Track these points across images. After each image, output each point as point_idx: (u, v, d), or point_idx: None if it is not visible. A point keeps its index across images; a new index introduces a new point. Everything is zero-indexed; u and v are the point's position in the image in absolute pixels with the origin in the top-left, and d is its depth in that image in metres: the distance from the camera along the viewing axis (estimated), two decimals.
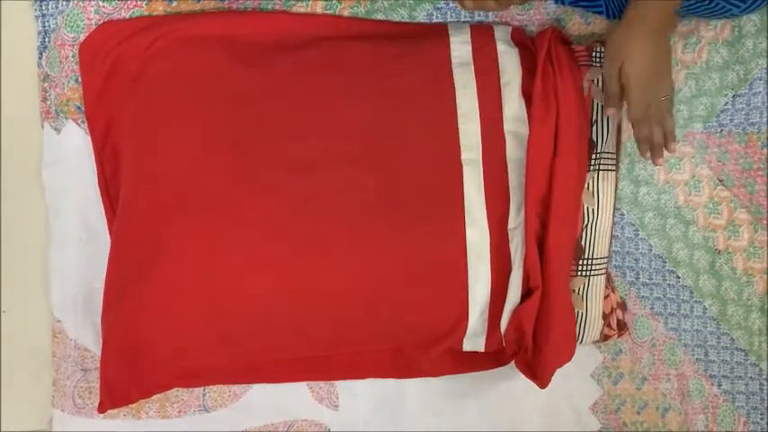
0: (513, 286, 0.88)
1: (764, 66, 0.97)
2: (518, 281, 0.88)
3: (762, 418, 1.01)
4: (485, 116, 0.88)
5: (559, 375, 0.97)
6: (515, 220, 0.88)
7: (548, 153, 0.86)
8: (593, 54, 0.91)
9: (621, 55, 0.83)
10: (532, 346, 0.89)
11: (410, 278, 0.87)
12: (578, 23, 0.97)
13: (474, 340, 0.90)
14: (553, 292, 0.87)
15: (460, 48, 0.91)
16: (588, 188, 0.90)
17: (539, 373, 0.90)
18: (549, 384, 0.98)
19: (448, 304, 0.88)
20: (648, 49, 0.83)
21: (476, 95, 0.89)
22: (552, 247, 0.86)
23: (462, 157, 0.88)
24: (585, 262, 0.91)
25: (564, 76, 0.88)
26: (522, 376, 0.96)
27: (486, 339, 0.90)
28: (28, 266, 0.96)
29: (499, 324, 0.89)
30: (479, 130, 0.88)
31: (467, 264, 0.87)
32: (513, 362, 0.96)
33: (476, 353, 0.93)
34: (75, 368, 0.94)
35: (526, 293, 0.88)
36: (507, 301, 0.88)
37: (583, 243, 0.90)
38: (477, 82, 0.89)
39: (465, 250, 0.87)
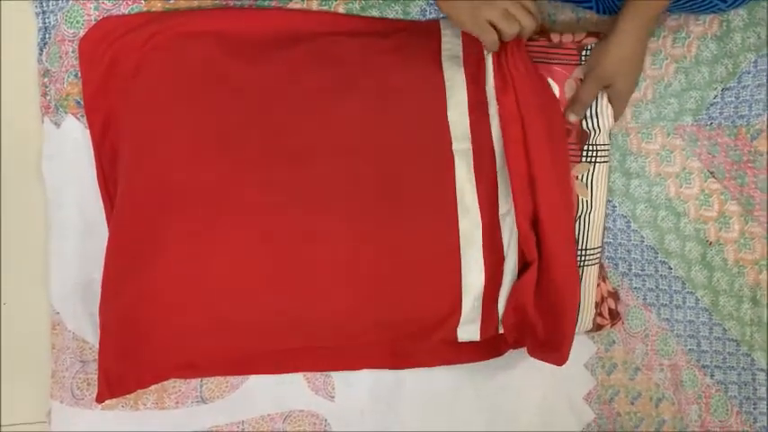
0: (508, 271, 0.89)
1: (752, 59, 0.99)
2: (513, 266, 0.89)
3: (755, 408, 1.02)
4: (473, 107, 0.90)
5: (554, 366, 0.98)
6: (505, 206, 0.89)
7: (518, 126, 0.88)
8: (583, 53, 0.92)
9: (615, 75, 0.88)
10: (544, 324, 0.90)
11: (405, 267, 0.88)
12: (569, 17, 0.98)
13: (468, 327, 0.91)
14: (556, 260, 0.87)
15: (451, 41, 0.93)
16: (582, 179, 0.92)
17: (561, 346, 0.89)
18: (543, 375, 0.99)
19: (441, 292, 0.89)
20: (640, 66, 0.89)
21: (464, 87, 0.91)
22: (545, 215, 0.87)
23: (453, 147, 0.90)
24: (580, 252, 0.92)
25: (512, 55, 0.89)
26: (518, 367, 0.98)
27: (481, 326, 0.91)
28: (27, 259, 0.97)
29: (494, 311, 0.90)
30: (468, 121, 0.90)
31: (460, 252, 0.88)
32: (508, 353, 0.97)
33: (472, 343, 0.94)
34: (74, 360, 0.95)
35: (523, 269, 0.90)
36: (502, 286, 0.89)
37: (577, 234, 0.92)
38: (465, 74, 0.91)
39: (458, 239, 0.88)
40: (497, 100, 0.89)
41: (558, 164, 0.89)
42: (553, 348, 0.91)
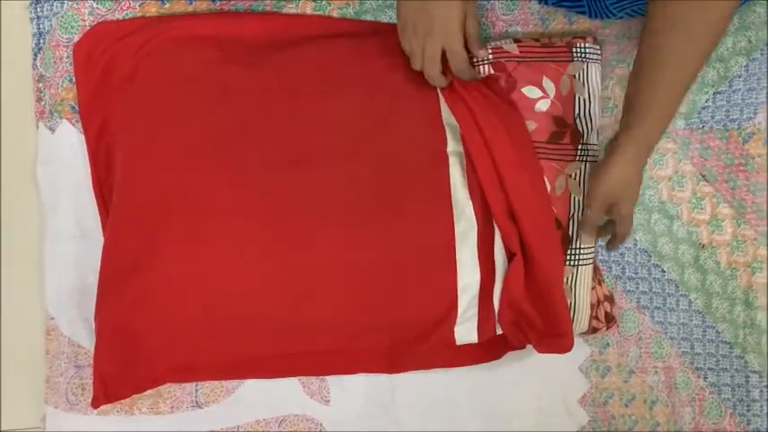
0: (499, 267, 0.91)
1: (744, 63, 1.00)
2: (502, 262, 0.90)
3: (748, 410, 1.03)
4: None
5: (548, 369, 0.99)
6: None
7: (476, 130, 0.89)
8: (574, 50, 0.93)
9: (619, 196, 0.87)
10: (540, 315, 0.90)
11: (401, 270, 0.89)
12: (562, 23, 0.99)
13: (465, 327, 0.92)
14: (536, 247, 0.88)
15: None
16: (575, 178, 0.92)
17: (563, 330, 0.90)
18: (538, 378, 1.00)
19: (437, 292, 0.90)
20: (640, 180, 0.88)
21: None
22: (518, 205, 0.88)
23: (448, 149, 0.91)
24: (573, 252, 0.92)
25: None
26: (513, 370, 0.98)
27: (478, 326, 0.92)
28: (22, 264, 0.96)
29: (490, 309, 0.91)
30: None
31: (455, 252, 0.89)
32: (504, 356, 0.98)
33: (468, 346, 0.94)
34: (69, 365, 0.95)
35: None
36: (496, 283, 0.90)
37: (570, 233, 0.92)
38: None
39: (454, 239, 0.89)
40: (449, 107, 0.90)
41: (525, 157, 0.90)
42: (556, 336, 0.91)
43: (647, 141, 0.84)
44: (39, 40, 0.94)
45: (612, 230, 0.91)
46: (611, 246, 0.93)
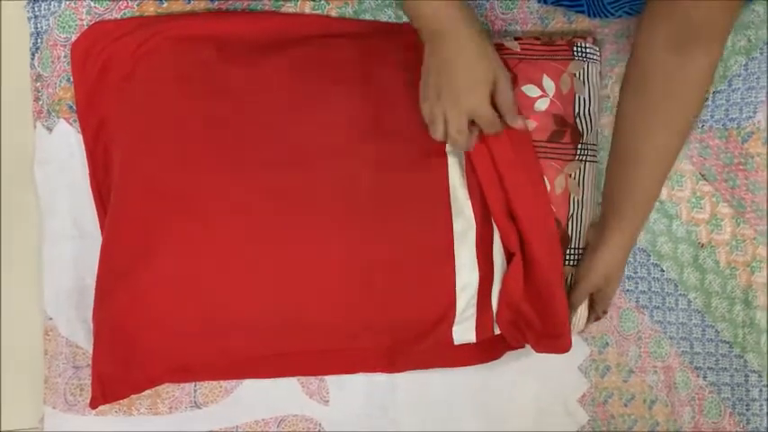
0: (498, 267, 0.91)
1: (743, 62, 1.00)
2: (501, 261, 0.91)
3: (747, 409, 1.03)
4: None
5: (548, 369, 0.99)
6: None
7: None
8: (575, 49, 0.93)
9: (606, 282, 0.91)
10: (538, 315, 0.90)
11: (400, 269, 0.89)
12: (561, 21, 0.99)
13: (463, 326, 0.91)
14: (534, 246, 0.88)
15: None
16: (574, 178, 0.92)
17: (561, 330, 0.90)
18: (537, 377, 1.00)
19: (436, 292, 0.90)
20: (623, 268, 0.94)
21: None
22: (517, 204, 0.88)
23: (447, 149, 0.91)
24: (572, 251, 0.92)
25: None
26: (513, 370, 0.98)
27: (477, 325, 0.92)
28: (20, 265, 0.96)
29: (488, 309, 0.91)
30: None
31: (454, 251, 0.89)
32: (503, 356, 0.97)
33: (467, 346, 0.94)
34: (67, 365, 0.95)
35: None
36: (494, 283, 0.90)
37: (569, 232, 0.92)
38: None
39: (452, 238, 0.89)
40: None
41: (524, 157, 0.90)
42: (554, 336, 0.91)
43: (634, 233, 0.89)
44: (36, 39, 0.94)
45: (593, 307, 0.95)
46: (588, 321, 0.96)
